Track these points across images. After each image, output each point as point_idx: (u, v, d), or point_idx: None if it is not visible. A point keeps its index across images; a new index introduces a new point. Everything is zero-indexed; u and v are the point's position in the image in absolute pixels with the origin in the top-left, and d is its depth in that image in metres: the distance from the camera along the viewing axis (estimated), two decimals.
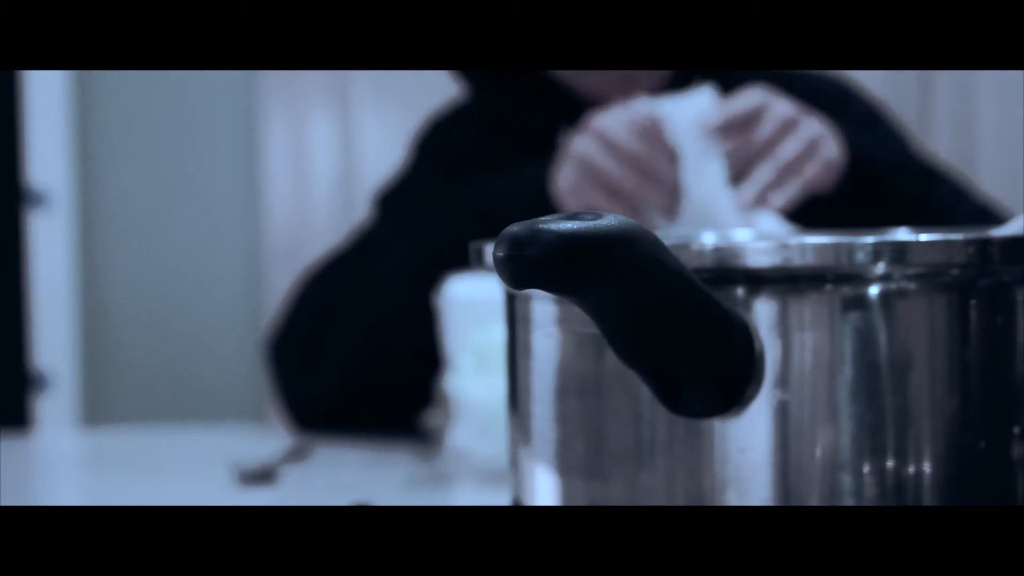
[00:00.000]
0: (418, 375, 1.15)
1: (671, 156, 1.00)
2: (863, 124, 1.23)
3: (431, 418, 1.20)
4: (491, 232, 1.08)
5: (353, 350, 1.15)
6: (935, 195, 1.18)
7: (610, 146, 1.01)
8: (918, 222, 1.10)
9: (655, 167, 1.00)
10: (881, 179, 1.11)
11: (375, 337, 1.14)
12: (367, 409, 1.17)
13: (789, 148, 1.02)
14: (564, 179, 1.04)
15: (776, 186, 1.01)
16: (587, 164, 1.02)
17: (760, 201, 1.00)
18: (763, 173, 1.01)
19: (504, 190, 1.11)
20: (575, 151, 1.04)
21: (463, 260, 1.08)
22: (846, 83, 1.30)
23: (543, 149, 1.23)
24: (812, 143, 1.03)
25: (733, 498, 0.51)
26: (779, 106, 1.03)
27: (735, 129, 1.02)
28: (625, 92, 1.20)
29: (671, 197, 1.00)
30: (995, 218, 1.19)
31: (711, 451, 0.51)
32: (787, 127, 1.03)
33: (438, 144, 1.30)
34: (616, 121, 1.02)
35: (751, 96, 1.04)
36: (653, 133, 1.01)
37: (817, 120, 1.05)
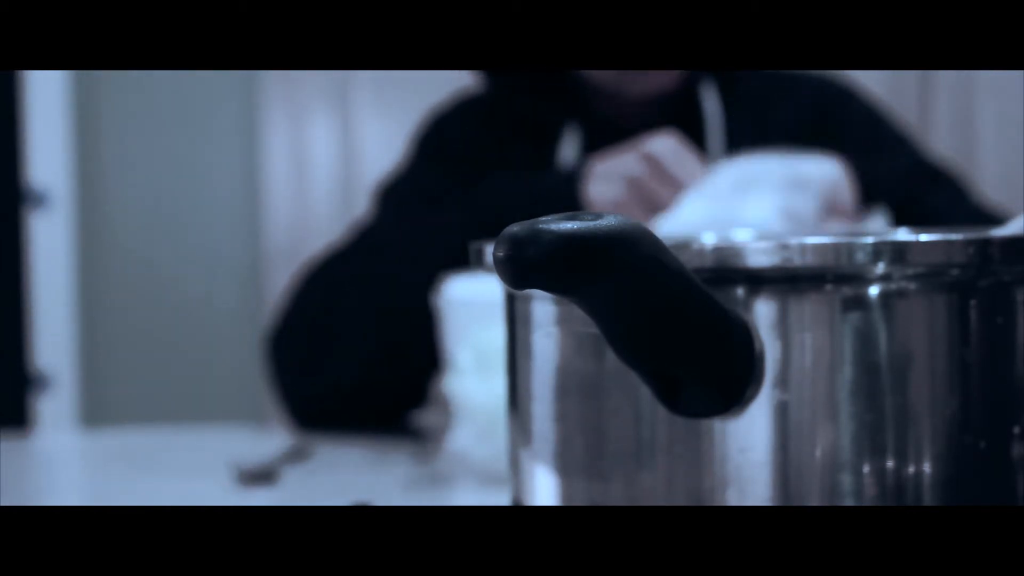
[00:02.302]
0: (419, 375, 1.15)
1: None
2: (866, 126, 1.23)
3: (429, 418, 1.20)
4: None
5: (357, 348, 1.15)
6: (935, 199, 1.18)
7: (661, 171, 1.04)
8: (919, 223, 1.11)
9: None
10: (883, 195, 1.11)
11: (380, 336, 1.14)
12: (367, 408, 1.16)
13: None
14: (601, 193, 1.06)
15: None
16: (636, 184, 1.04)
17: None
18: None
19: (523, 193, 1.12)
20: (623, 170, 1.05)
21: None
22: (849, 85, 1.30)
23: (547, 143, 1.23)
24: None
25: (733, 498, 0.51)
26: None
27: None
28: (634, 86, 1.20)
29: None
30: (995, 221, 1.19)
31: (711, 451, 0.51)
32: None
33: (439, 139, 1.30)
34: (667, 148, 1.04)
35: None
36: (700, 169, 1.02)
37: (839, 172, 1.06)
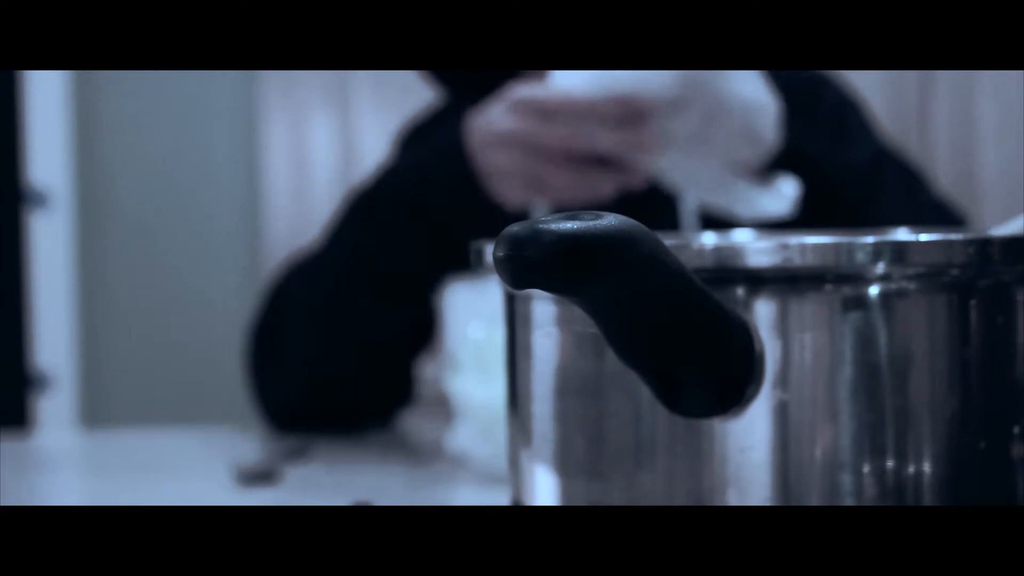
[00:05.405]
0: (382, 369, 1.15)
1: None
2: (835, 114, 1.22)
3: (421, 417, 1.20)
4: (402, 214, 1.09)
5: (306, 349, 1.15)
6: (892, 192, 1.17)
7: (539, 112, 0.96)
8: (865, 217, 1.10)
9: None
10: (823, 179, 1.11)
11: (324, 333, 1.14)
12: (334, 407, 1.16)
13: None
14: (494, 164, 1.01)
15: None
16: (519, 139, 0.98)
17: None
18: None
19: (414, 167, 1.10)
20: (499, 129, 0.99)
21: (387, 249, 1.10)
22: (821, 74, 1.29)
23: None
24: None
25: (733, 498, 0.51)
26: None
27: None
28: None
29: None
30: (951, 217, 1.19)
31: (711, 451, 0.51)
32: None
33: (418, 145, 1.30)
34: (533, 89, 0.98)
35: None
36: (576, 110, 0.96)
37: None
